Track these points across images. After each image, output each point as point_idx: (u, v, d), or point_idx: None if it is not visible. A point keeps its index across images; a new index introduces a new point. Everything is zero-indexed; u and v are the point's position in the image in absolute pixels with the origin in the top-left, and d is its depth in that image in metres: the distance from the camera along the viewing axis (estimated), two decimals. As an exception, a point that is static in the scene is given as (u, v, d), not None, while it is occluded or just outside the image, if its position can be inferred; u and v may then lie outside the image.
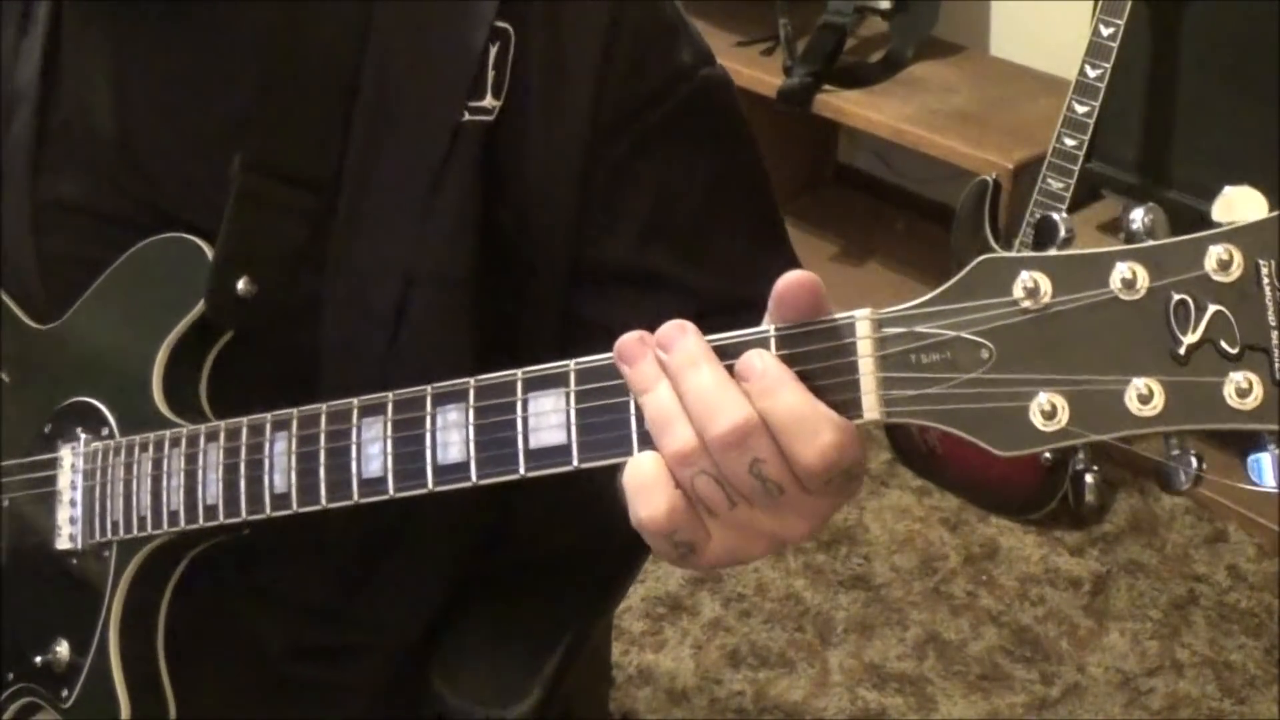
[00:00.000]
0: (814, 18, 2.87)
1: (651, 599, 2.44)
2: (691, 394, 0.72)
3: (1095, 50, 2.26)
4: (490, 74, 0.98)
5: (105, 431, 1.04)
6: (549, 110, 0.99)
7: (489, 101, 0.98)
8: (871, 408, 0.70)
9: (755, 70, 2.89)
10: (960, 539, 2.57)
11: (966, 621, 2.41)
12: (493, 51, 0.98)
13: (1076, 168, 2.31)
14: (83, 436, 1.05)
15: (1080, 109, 2.29)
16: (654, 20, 1.02)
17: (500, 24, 0.98)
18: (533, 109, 0.99)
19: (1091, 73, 2.27)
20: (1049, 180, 2.34)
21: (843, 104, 2.81)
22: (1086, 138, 2.30)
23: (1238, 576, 2.48)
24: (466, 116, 0.98)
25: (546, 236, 1.02)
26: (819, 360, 0.71)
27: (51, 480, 1.06)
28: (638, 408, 0.75)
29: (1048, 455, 2.39)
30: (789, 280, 0.72)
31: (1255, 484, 0.64)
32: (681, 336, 0.73)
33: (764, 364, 0.71)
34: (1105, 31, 2.24)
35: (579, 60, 0.98)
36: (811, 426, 0.70)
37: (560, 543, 1.23)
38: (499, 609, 1.20)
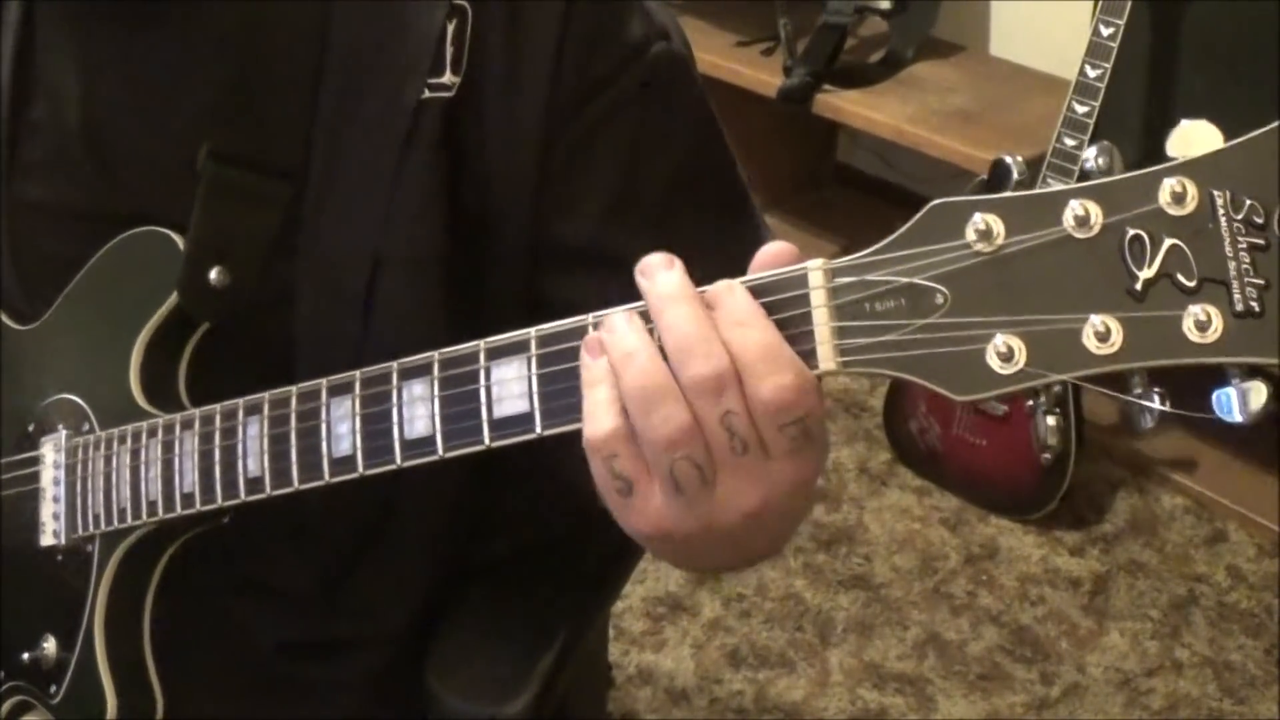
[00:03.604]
0: (814, 18, 2.86)
1: (651, 599, 2.43)
2: (670, 331, 0.71)
3: (1095, 50, 2.26)
4: (449, 50, 0.98)
5: (86, 427, 1.04)
6: (508, 86, 0.98)
7: (448, 78, 0.98)
8: (827, 358, 0.69)
9: (755, 70, 2.89)
10: (960, 539, 2.56)
11: (966, 621, 2.40)
12: (450, 28, 0.98)
13: (1076, 168, 2.30)
14: (64, 433, 1.05)
15: (1080, 109, 2.28)
16: None
17: (458, 2, 0.98)
18: (492, 85, 0.98)
19: (1091, 73, 2.26)
20: (1049, 180, 2.32)
21: (843, 104, 2.80)
22: (1086, 138, 2.29)
23: (1238, 576, 2.47)
24: (426, 94, 0.98)
25: (508, 215, 1.01)
26: (772, 313, 0.70)
27: (35, 478, 1.06)
28: None
29: (1047, 455, 2.39)
30: (771, 253, 0.72)
31: (1223, 419, 0.63)
32: (666, 270, 0.72)
33: (735, 296, 0.71)
34: (1105, 31, 2.24)
35: (537, 37, 0.98)
36: (773, 366, 0.69)
37: (548, 535, 1.22)
38: (493, 606, 1.20)
